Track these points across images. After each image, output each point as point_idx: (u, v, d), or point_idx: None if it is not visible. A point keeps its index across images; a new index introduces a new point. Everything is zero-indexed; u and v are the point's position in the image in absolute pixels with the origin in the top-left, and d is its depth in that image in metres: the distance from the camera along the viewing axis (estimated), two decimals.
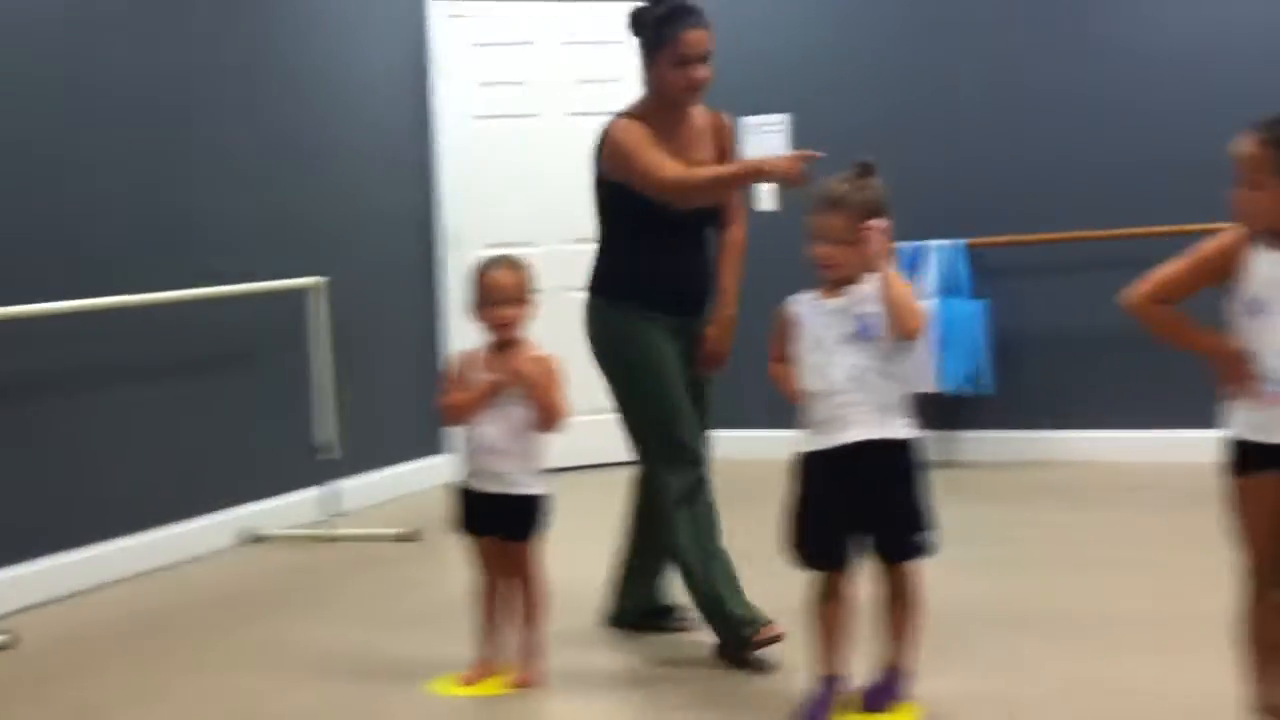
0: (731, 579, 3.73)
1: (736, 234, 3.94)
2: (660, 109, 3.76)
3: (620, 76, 7.03)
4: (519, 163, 6.95)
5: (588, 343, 3.88)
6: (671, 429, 3.76)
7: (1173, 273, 2.80)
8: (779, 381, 3.26)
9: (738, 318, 3.87)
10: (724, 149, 3.88)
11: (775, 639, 3.59)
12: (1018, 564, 4.73)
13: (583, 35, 7.05)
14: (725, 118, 3.95)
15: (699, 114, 3.85)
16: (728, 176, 3.69)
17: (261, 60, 5.86)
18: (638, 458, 3.87)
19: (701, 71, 3.68)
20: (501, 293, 3.48)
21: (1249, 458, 2.71)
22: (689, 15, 3.67)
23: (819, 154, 3.39)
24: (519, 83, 6.97)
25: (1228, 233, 2.75)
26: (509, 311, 3.48)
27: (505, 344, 3.51)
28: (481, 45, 6.90)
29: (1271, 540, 2.73)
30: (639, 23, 3.72)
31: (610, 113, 6.89)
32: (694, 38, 3.65)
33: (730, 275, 3.90)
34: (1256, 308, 2.68)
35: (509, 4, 6.92)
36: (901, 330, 3.07)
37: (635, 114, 3.78)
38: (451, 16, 6.82)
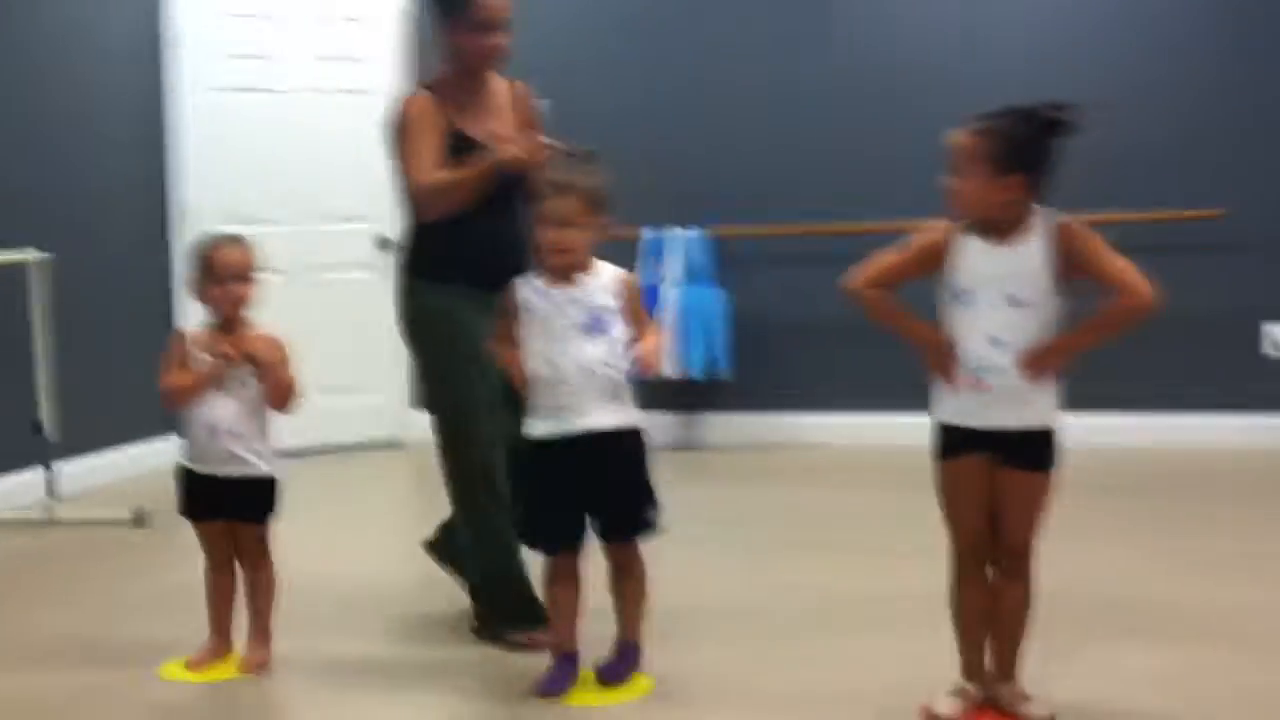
0: (518, 565, 3.69)
1: None
2: (460, 78, 3.66)
3: (367, 56, 6.97)
4: (261, 138, 6.78)
5: (398, 323, 3.77)
6: (469, 416, 3.65)
7: (889, 261, 2.93)
8: (503, 364, 3.26)
9: None
10: (526, 121, 3.74)
11: (539, 646, 3.51)
12: (748, 544, 4.87)
13: (333, 11, 6.92)
14: (521, 87, 3.82)
15: (500, 84, 3.76)
16: (468, 178, 3.52)
17: None
18: (437, 437, 3.77)
19: (501, 38, 3.59)
20: (230, 269, 3.39)
21: (953, 441, 2.87)
22: None
23: (557, 143, 3.40)
24: (263, 56, 6.78)
25: (941, 224, 2.90)
26: (237, 289, 3.39)
27: (230, 323, 3.42)
28: (229, 15, 6.69)
29: (976, 520, 2.89)
30: None
31: (359, 90, 6.81)
32: (493, 2, 3.56)
33: None
34: (962, 297, 2.83)
35: None
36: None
37: (434, 87, 3.67)
38: None
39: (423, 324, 3.69)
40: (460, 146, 3.58)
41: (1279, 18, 6.15)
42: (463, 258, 3.58)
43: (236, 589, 3.56)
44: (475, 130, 3.62)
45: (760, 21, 6.70)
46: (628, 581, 3.31)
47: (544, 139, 3.47)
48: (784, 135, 6.66)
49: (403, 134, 3.62)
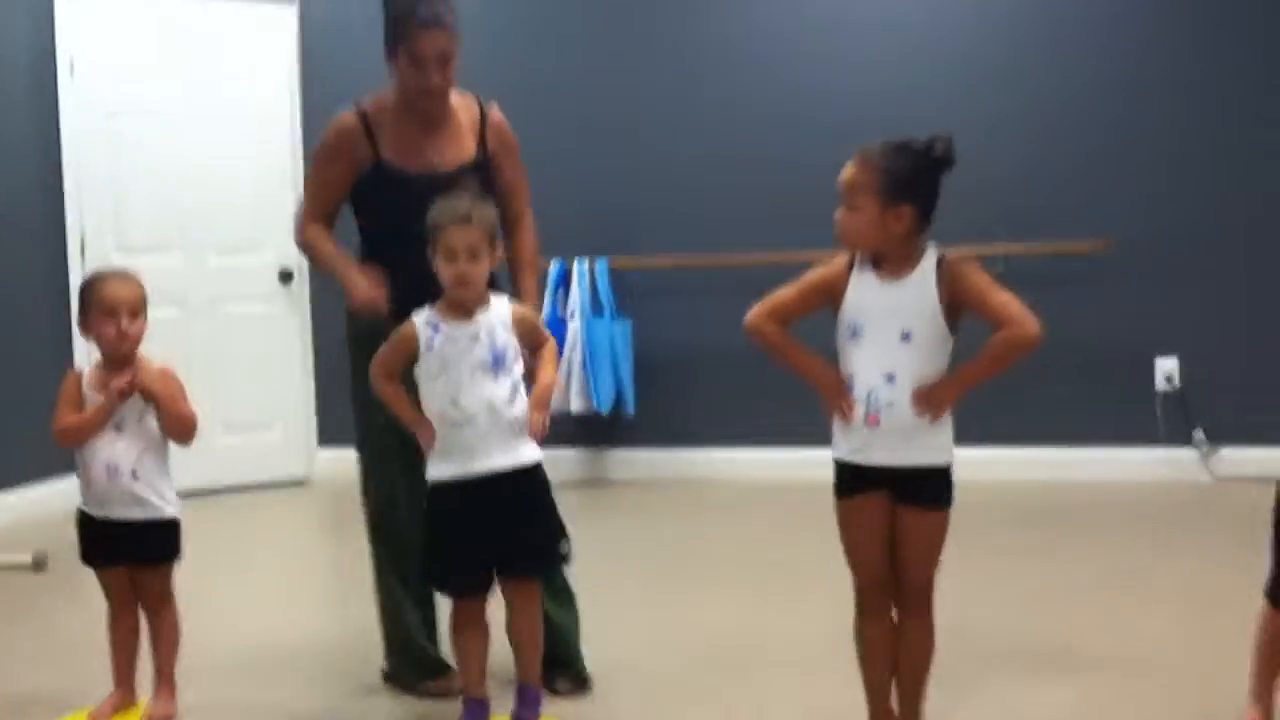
0: (424, 608, 3.69)
1: (523, 240, 3.74)
2: (402, 101, 3.53)
3: (255, 79, 6.91)
4: (152, 165, 6.70)
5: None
6: (371, 452, 3.70)
7: (785, 296, 2.98)
8: (388, 402, 3.22)
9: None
10: (489, 146, 3.61)
11: (450, 694, 3.53)
12: (652, 581, 4.90)
13: (225, 33, 6.87)
14: (496, 111, 3.67)
15: (462, 105, 3.62)
16: (326, 265, 3.55)
17: None
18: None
19: (435, 75, 3.43)
20: (121, 305, 3.33)
21: (851, 479, 2.92)
22: (420, 9, 3.40)
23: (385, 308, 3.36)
24: (151, 80, 6.70)
25: (837, 260, 2.96)
26: (126, 325, 3.34)
27: (122, 360, 3.37)
28: (110, 39, 6.59)
29: (877, 558, 2.94)
30: (384, 7, 3.49)
31: (256, 116, 6.71)
32: (429, 38, 3.40)
33: (526, 289, 3.68)
34: (856, 332, 2.89)
35: None
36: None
37: (369, 108, 3.55)
38: (74, 9, 6.48)
39: (349, 353, 3.66)
40: (382, 179, 3.51)
41: (1160, 48, 6.31)
42: (392, 289, 3.46)
43: (141, 637, 3.51)
44: (406, 161, 3.51)
45: (659, 51, 6.77)
46: (530, 621, 3.31)
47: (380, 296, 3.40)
48: (685, 166, 6.72)
49: (316, 155, 3.63)
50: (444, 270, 3.12)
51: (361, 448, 3.74)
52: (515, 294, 3.59)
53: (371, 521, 3.74)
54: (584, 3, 6.86)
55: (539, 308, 3.70)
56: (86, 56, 6.52)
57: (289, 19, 7.04)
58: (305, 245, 3.63)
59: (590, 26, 6.83)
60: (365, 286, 3.39)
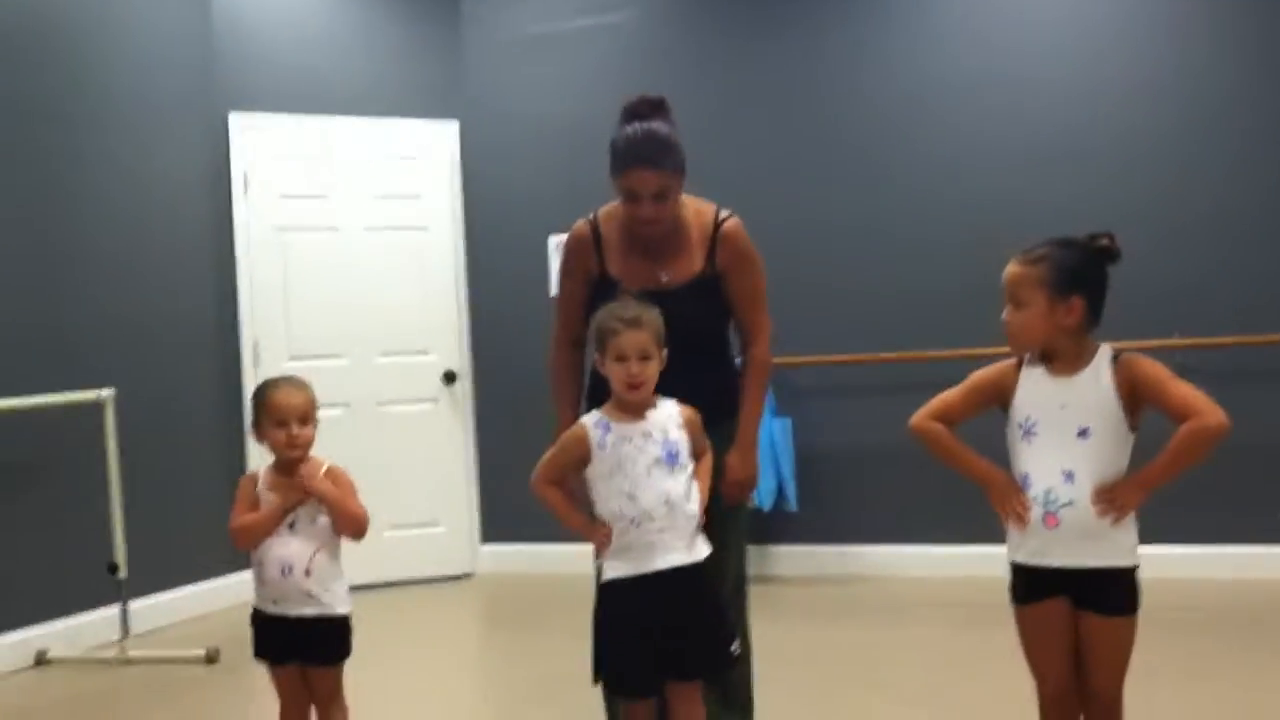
0: None
1: (758, 353, 3.65)
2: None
3: (419, 193, 7.12)
4: (321, 275, 6.91)
5: None
6: None
7: (950, 397, 2.93)
8: (553, 507, 3.21)
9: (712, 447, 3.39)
10: (718, 260, 3.55)
11: None
12: (815, 686, 4.78)
13: (390, 148, 7.09)
14: (731, 223, 3.59)
15: (696, 217, 3.59)
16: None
17: (54, 167, 5.76)
18: None
19: (645, 209, 3.44)
20: (291, 412, 3.41)
21: (1030, 584, 2.82)
22: (635, 151, 3.42)
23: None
24: (320, 196, 6.93)
25: (1004, 361, 2.90)
26: (299, 431, 3.42)
27: (293, 463, 3.44)
28: (282, 157, 6.85)
29: (1061, 668, 2.82)
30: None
31: (417, 226, 6.92)
32: (639, 175, 3.41)
33: (751, 397, 3.61)
34: (1027, 430, 2.81)
35: (309, 117, 6.91)
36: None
37: (601, 216, 3.62)
38: (247, 128, 6.76)
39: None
40: (606, 293, 3.43)
41: None
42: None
43: None
44: (629, 276, 3.50)
45: (821, 150, 6.77)
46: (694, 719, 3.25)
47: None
48: (848, 262, 6.69)
49: (560, 268, 3.73)
50: (615, 372, 3.14)
51: None
52: (740, 401, 3.60)
53: None
54: (735, 108, 6.90)
55: (758, 416, 3.64)
56: (259, 172, 6.78)
57: (450, 134, 7.25)
58: (550, 372, 3.67)
59: (752, 134, 6.87)
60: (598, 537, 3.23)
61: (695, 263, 3.56)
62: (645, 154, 3.41)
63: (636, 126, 3.46)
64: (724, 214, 3.62)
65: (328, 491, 3.40)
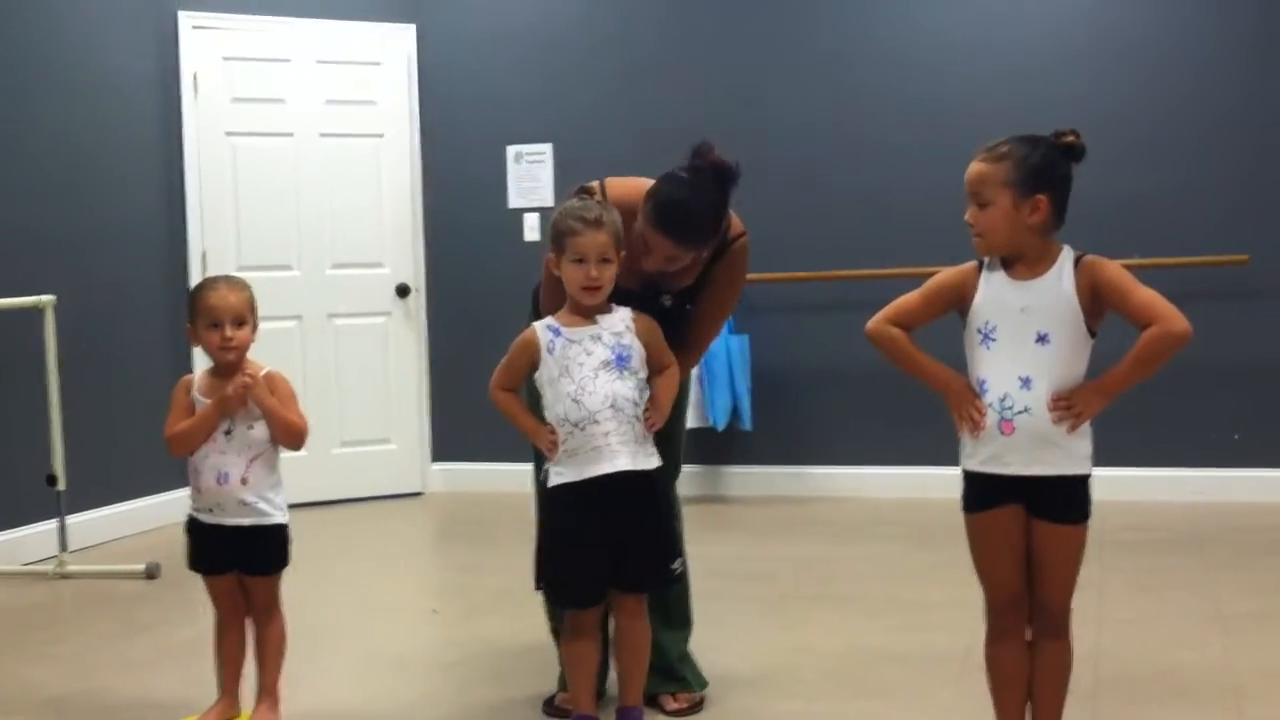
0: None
1: (689, 362, 3.47)
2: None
3: (374, 99, 6.95)
4: (272, 182, 6.75)
5: None
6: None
7: (908, 300, 2.85)
8: (507, 412, 3.15)
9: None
10: (713, 271, 3.38)
11: (566, 714, 3.37)
12: (768, 600, 4.76)
13: (344, 52, 6.91)
14: (740, 247, 3.43)
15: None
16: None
17: None
18: None
19: (655, 265, 3.21)
20: (225, 313, 3.29)
21: (983, 491, 2.75)
22: (668, 223, 3.15)
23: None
24: (272, 100, 6.75)
25: (965, 264, 2.81)
26: (233, 333, 3.30)
27: (230, 367, 3.33)
28: (231, 59, 6.65)
29: (1011, 576, 2.77)
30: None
31: (373, 134, 6.78)
32: (659, 243, 3.16)
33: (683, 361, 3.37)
34: (985, 334, 2.73)
35: (260, 18, 6.71)
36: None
37: (615, 199, 3.27)
38: (196, 28, 6.56)
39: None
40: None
41: None
42: None
43: (247, 647, 3.46)
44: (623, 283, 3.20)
45: (779, 65, 6.64)
46: (636, 638, 3.20)
47: None
48: (803, 180, 6.58)
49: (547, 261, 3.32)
50: (573, 274, 3.05)
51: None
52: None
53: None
54: (702, 10, 6.75)
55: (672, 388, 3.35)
56: (208, 75, 6.58)
57: (407, 37, 7.05)
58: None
59: (712, 43, 6.72)
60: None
61: (692, 276, 3.38)
62: (676, 229, 3.15)
63: (687, 190, 3.17)
64: (736, 232, 3.43)
65: (263, 399, 3.29)
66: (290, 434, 3.35)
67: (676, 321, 3.37)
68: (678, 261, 3.23)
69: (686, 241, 3.18)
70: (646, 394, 3.10)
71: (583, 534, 3.08)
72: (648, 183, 3.28)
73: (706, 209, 3.19)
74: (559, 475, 3.08)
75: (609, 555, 3.08)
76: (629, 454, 3.05)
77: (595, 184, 3.34)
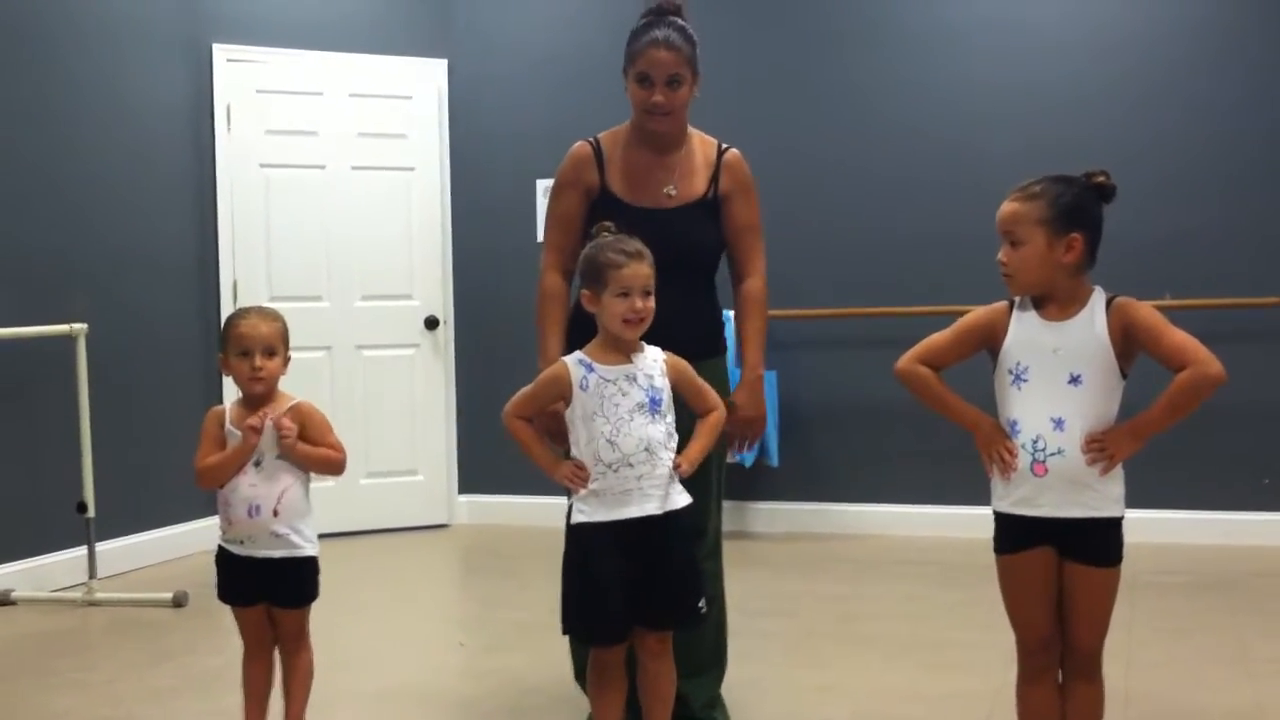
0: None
1: (756, 285, 3.57)
2: (635, 132, 3.53)
3: (405, 133, 7.00)
4: (304, 214, 6.79)
5: None
6: None
7: (938, 339, 2.85)
8: (523, 442, 3.11)
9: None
10: (720, 184, 3.52)
11: None
12: (791, 638, 4.74)
13: (376, 86, 6.96)
14: (735, 157, 3.58)
15: (700, 145, 3.57)
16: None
17: (30, 95, 5.63)
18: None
19: (659, 94, 3.39)
20: (256, 342, 3.29)
21: (1013, 533, 2.74)
22: (653, 32, 3.40)
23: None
24: (305, 133, 6.79)
25: (996, 304, 2.82)
26: (263, 363, 3.30)
27: (260, 398, 3.33)
28: (265, 92, 6.70)
29: (1043, 618, 2.75)
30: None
31: (399, 167, 6.82)
32: (653, 56, 3.39)
33: (753, 329, 3.54)
34: (1017, 375, 2.73)
35: (294, 52, 6.77)
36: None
37: (603, 137, 3.58)
38: (231, 61, 6.61)
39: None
40: (606, 209, 3.39)
41: None
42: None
43: (274, 677, 3.46)
44: (631, 193, 3.48)
45: (805, 102, 6.66)
46: (663, 676, 3.17)
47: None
48: (835, 217, 6.59)
49: (551, 190, 3.61)
50: (615, 307, 3.01)
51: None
52: (738, 338, 3.56)
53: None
54: (730, 45, 6.78)
55: (761, 349, 3.55)
56: (242, 107, 6.64)
57: (439, 72, 7.10)
58: (541, 300, 3.49)
59: (739, 81, 6.75)
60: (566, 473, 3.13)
61: (699, 185, 3.52)
62: (664, 35, 3.38)
63: (655, 16, 3.44)
64: (726, 145, 3.60)
65: (294, 449, 3.27)
66: (328, 467, 3.35)
67: (689, 223, 3.46)
68: (677, 89, 3.39)
69: (676, 45, 3.37)
70: (675, 439, 3.08)
71: (605, 571, 3.04)
72: (578, 147, 3.56)
73: (677, 24, 3.42)
74: (582, 513, 3.05)
75: (633, 592, 3.06)
76: (659, 499, 3.03)
77: (592, 138, 3.57)
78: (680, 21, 3.44)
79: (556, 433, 3.15)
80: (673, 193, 3.48)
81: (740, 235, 3.57)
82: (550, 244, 3.56)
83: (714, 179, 3.53)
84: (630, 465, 3.00)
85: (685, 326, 3.32)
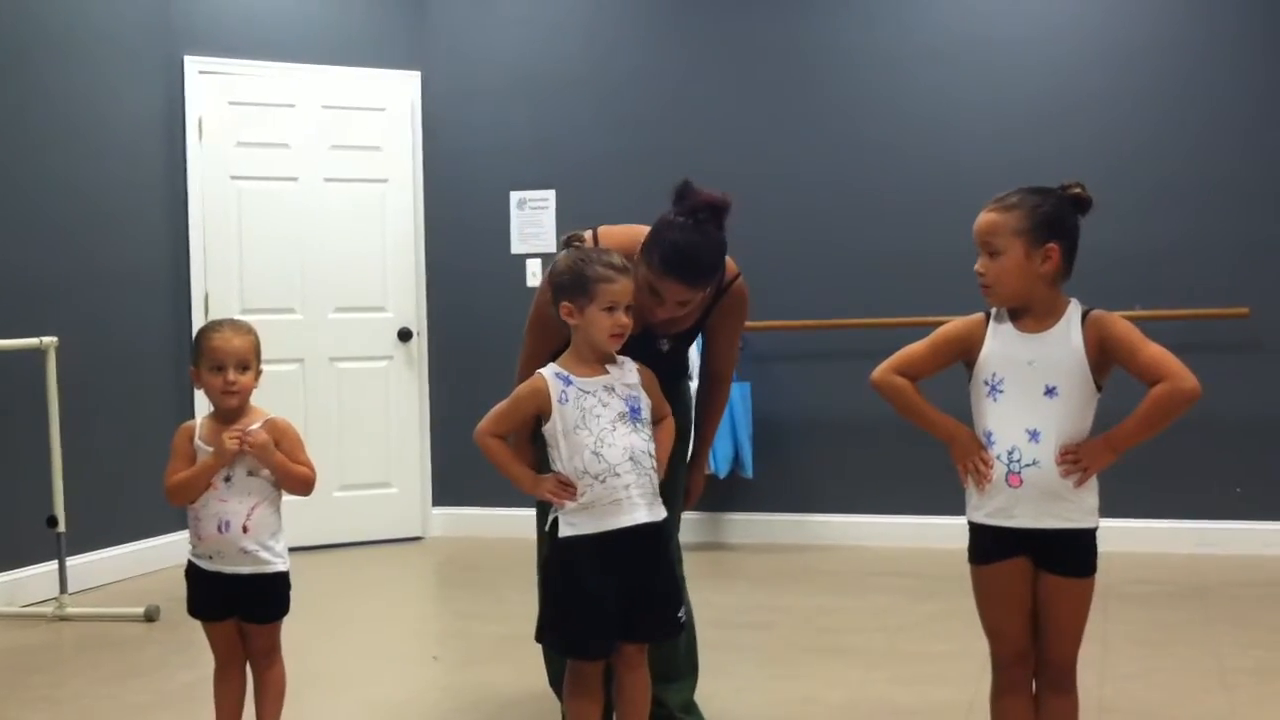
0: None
1: (724, 374, 3.63)
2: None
3: (379, 144, 6.98)
4: (277, 226, 6.77)
5: None
6: None
7: (914, 350, 2.85)
8: (498, 461, 3.07)
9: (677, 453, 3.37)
10: (713, 318, 3.42)
11: None
12: (767, 650, 4.73)
13: (349, 99, 6.94)
14: (739, 291, 3.44)
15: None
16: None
17: None
18: None
19: (667, 313, 3.20)
20: (229, 356, 3.27)
21: (988, 544, 2.75)
22: (677, 265, 3.12)
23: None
24: (277, 145, 6.77)
25: (972, 315, 2.82)
26: (236, 377, 3.28)
27: (232, 412, 3.31)
28: (237, 104, 6.68)
29: (1019, 629, 2.76)
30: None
31: (373, 179, 6.76)
32: (669, 288, 3.14)
33: (714, 414, 3.64)
34: (993, 386, 2.73)
35: (266, 64, 6.75)
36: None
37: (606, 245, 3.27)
38: (203, 73, 6.58)
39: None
40: None
41: None
42: None
43: (246, 692, 3.43)
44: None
45: (782, 115, 6.67)
46: (639, 686, 3.15)
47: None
48: (809, 228, 6.60)
49: (535, 320, 3.42)
50: (603, 321, 2.99)
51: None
52: (699, 408, 3.65)
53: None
54: (708, 60, 6.79)
55: (714, 433, 3.74)
56: (214, 119, 6.61)
57: (412, 84, 7.09)
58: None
59: (716, 93, 6.75)
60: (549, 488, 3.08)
61: (690, 320, 3.38)
62: (688, 272, 3.12)
63: (689, 232, 3.13)
64: (733, 273, 3.43)
65: (269, 458, 3.25)
66: (300, 485, 3.33)
67: (673, 366, 3.40)
68: (689, 305, 3.22)
69: (699, 283, 3.16)
70: (654, 446, 3.09)
71: (596, 586, 3.03)
72: (641, 230, 3.27)
73: (713, 247, 3.18)
74: (572, 526, 3.02)
75: (619, 607, 3.04)
76: (647, 506, 3.02)
77: (587, 234, 3.30)
78: (715, 239, 3.16)
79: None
80: (665, 347, 3.39)
81: (719, 348, 3.56)
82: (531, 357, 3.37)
83: (708, 310, 3.40)
84: (617, 475, 2.98)
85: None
